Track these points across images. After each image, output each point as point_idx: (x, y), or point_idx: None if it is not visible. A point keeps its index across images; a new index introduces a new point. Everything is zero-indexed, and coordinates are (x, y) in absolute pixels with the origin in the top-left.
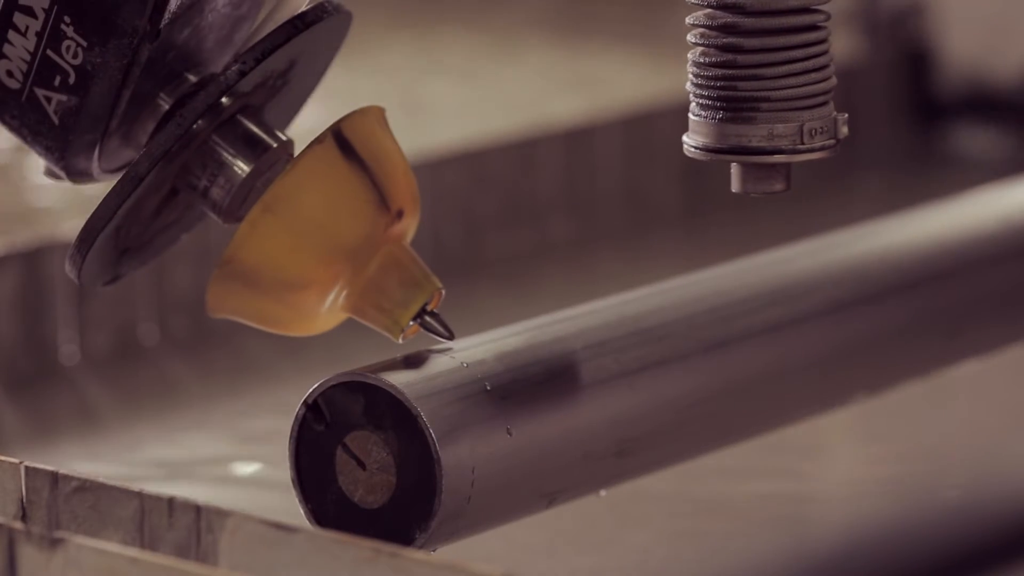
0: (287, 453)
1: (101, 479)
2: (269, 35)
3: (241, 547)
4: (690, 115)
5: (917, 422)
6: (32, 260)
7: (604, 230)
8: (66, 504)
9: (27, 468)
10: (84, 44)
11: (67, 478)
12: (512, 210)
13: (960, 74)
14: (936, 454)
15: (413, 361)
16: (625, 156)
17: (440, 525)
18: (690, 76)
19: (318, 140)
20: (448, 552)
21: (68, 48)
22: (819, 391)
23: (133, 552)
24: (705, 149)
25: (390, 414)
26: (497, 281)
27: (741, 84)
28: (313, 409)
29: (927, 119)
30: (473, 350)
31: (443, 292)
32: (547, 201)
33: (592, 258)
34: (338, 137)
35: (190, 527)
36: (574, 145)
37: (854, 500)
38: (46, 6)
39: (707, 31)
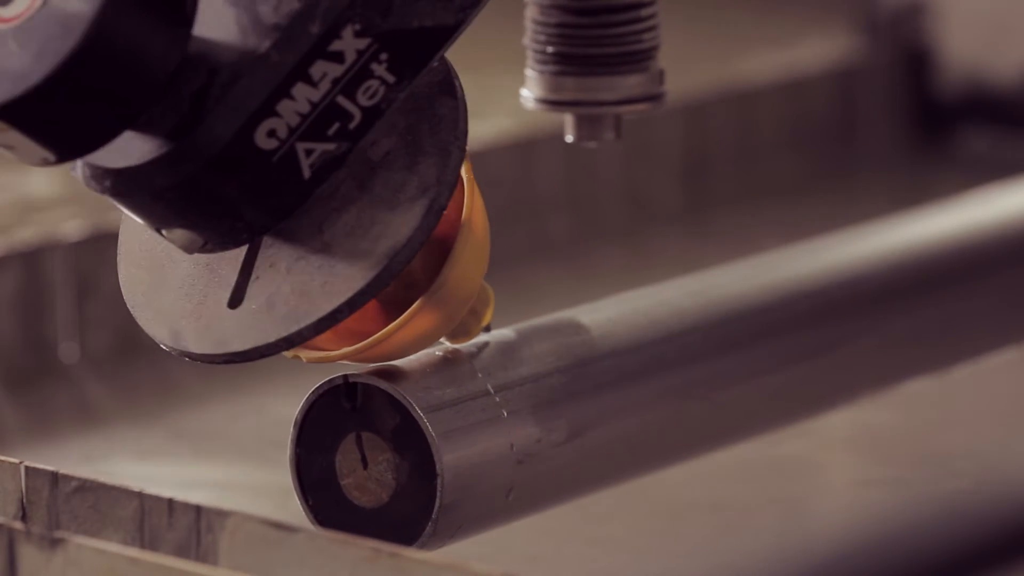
0: (302, 402)
1: (101, 479)
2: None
3: (241, 547)
4: (538, 74)
5: (917, 422)
6: (32, 260)
7: (604, 229)
8: (66, 504)
9: (27, 468)
10: (392, 80)
11: (67, 478)
12: (512, 209)
13: (960, 74)
14: (936, 454)
15: (458, 394)
16: (625, 156)
17: None
18: (568, 37)
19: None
20: (448, 552)
21: (368, 89)
22: (819, 392)
23: (133, 552)
24: (606, 103)
25: (415, 449)
26: (497, 279)
27: (646, 36)
28: (349, 387)
29: (927, 119)
30: (516, 392)
31: None
32: (547, 200)
33: (592, 256)
34: None
35: (190, 527)
36: (574, 145)
37: (854, 500)
38: (363, 47)
39: None
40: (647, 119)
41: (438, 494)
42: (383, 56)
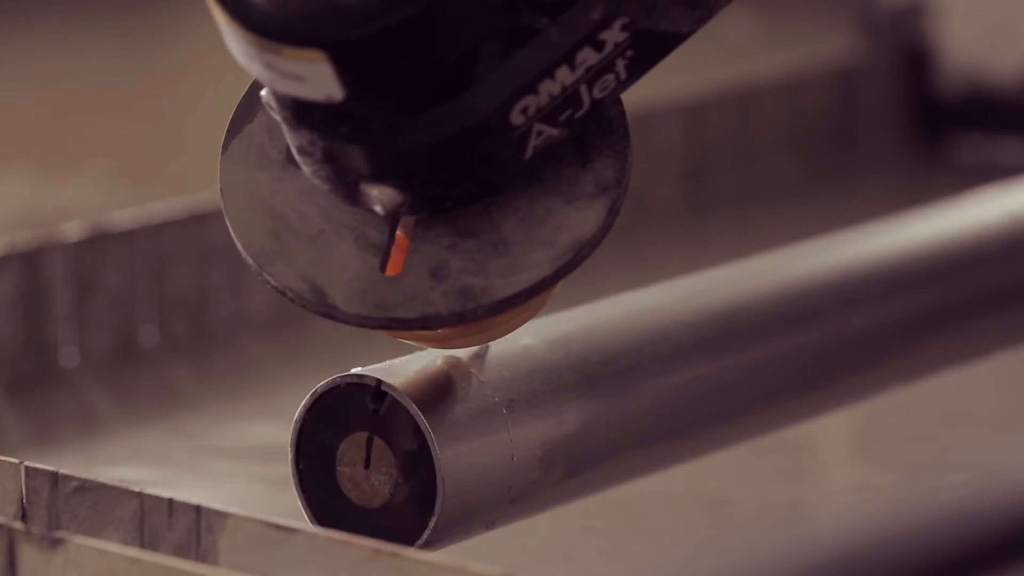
0: (320, 383)
1: (101, 479)
2: None
3: (241, 547)
4: None
5: (917, 422)
6: (32, 260)
7: None
8: (66, 504)
9: (27, 468)
10: (623, 78)
11: (67, 478)
12: None
13: (960, 75)
14: (936, 454)
15: (480, 433)
16: None
17: None
18: None
19: None
20: (448, 552)
21: (604, 82)
22: (817, 393)
23: (133, 552)
24: None
25: (420, 478)
26: None
27: None
28: (378, 392)
29: (927, 120)
30: (532, 433)
31: None
32: None
33: (591, 258)
34: None
35: (190, 527)
36: None
37: (853, 501)
38: (620, 40)
39: None
40: (647, 119)
41: (427, 530)
42: (629, 53)
